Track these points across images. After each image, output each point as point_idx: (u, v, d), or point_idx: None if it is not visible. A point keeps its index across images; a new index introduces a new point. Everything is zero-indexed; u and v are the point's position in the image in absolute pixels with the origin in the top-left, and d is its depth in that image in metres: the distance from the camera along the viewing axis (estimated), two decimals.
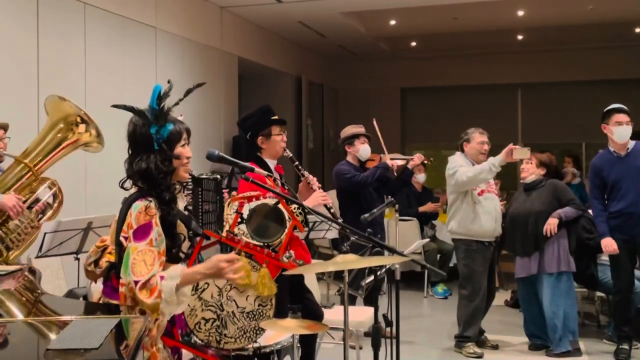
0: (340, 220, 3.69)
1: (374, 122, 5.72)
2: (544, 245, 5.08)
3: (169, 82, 2.46)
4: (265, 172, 3.37)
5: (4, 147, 4.03)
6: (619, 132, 4.92)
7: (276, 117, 3.91)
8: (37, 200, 3.90)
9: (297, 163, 3.92)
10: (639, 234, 4.91)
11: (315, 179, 3.92)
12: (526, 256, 5.17)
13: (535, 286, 5.22)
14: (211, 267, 2.34)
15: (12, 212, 3.69)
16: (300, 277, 3.98)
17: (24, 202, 3.80)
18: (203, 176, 3.16)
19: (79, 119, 3.85)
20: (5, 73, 4.95)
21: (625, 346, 5.02)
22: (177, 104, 2.48)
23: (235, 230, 3.07)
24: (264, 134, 3.87)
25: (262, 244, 3.09)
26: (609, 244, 4.95)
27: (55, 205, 3.98)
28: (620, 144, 4.97)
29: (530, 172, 5.27)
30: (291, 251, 3.42)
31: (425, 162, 6.25)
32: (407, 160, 5.69)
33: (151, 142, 2.39)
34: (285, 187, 3.76)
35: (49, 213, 3.98)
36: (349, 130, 5.70)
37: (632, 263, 5.03)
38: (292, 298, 3.73)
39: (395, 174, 5.52)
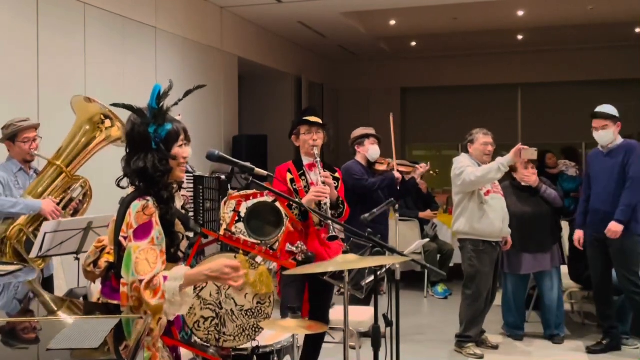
0: (332, 217, 3.72)
1: (391, 117, 5.85)
2: (555, 242, 5.50)
3: (170, 81, 2.46)
4: (266, 173, 3.38)
5: (36, 147, 4.13)
6: (596, 136, 5.16)
7: (307, 118, 4.03)
8: (70, 200, 4.10)
9: (317, 160, 3.99)
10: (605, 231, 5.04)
11: (328, 175, 3.93)
12: (541, 252, 5.44)
13: (526, 280, 5.61)
14: (215, 271, 2.34)
15: (52, 218, 3.86)
16: (326, 285, 3.95)
17: (59, 202, 4.00)
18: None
19: (102, 117, 4.03)
20: (6, 73, 4.95)
21: (603, 341, 5.25)
22: (176, 104, 2.48)
23: (233, 228, 3.07)
24: (295, 132, 4.07)
25: (259, 242, 3.09)
26: (576, 238, 5.33)
27: (86, 202, 4.19)
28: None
29: (536, 175, 5.52)
30: (300, 242, 3.43)
31: (431, 172, 6.26)
32: (413, 169, 5.76)
33: (149, 141, 2.39)
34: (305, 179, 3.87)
35: (81, 210, 4.19)
36: (359, 131, 5.73)
37: (604, 259, 5.12)
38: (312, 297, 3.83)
39: (398, 187, 5.57)
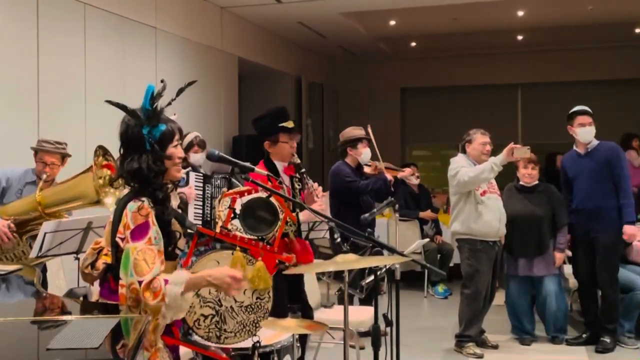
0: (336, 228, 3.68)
1: (369, 129, 5.66)
2: (548, 250, 5.38)
3: (162, 81, 2.46)
4: (265, 172, 3.37)
5: (48, 172, 4.11)
6: (582, 133, 5.21)
7: (284, 125, 3.87)
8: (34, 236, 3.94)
9: (303, 170, 3.89)
10: (592, 229, 5.17)
11: (319, 188, 3.86)
12: (537, 256, 5.39)
13: (529, 283, 5.52)
14: (217, 279, 2.36)
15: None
16: (299, 277, 3.97)
17: (19, 229, 3.89)
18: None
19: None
20: (5, 74, 4.95)
21: (583, 335, 5.38)
22: (169, 103, 2.47)
23: (229, 226, 3.07)
24: (271, 139, 3.88)
25: (256, 237, 3.09)
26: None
27: None
28: (582, 144, 5.25)
29: (536, 177, 5.50)
30: (286, 253, 3.41)
31: (415, 175, 6.32)
32: (398, 172, 5.79)
33: (143, 142, 2.39)
34: (284, 186, 3.77)
35: None
36: (351, 132, 5.67)
37: (589, 257, 5.21)
38: (290, 297, 3.74)
39: (392, 188, 5.55)
